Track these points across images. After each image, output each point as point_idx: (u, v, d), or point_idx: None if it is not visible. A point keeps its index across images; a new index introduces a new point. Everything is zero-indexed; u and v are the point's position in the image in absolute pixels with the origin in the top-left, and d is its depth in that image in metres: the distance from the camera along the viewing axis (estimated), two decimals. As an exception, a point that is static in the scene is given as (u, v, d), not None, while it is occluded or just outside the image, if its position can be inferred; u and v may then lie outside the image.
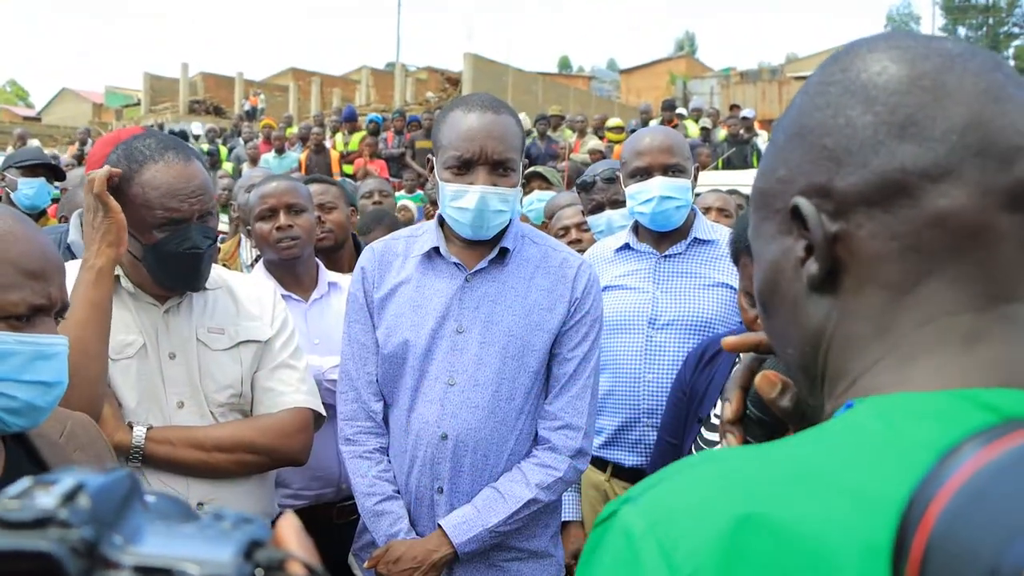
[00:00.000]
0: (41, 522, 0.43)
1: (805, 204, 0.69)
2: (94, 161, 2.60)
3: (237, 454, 2.03)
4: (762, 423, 0.95)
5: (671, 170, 2.78)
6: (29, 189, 4.91)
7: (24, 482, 0.46)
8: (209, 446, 2.00)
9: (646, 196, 2.77)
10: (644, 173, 2.80)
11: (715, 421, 1.04)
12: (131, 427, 1.96)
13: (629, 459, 2.72)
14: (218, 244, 4.02)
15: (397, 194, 7.74)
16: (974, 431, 0.56)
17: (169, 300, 2.09)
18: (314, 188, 3.16)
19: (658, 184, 2.76)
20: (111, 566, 0.44)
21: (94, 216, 1.96)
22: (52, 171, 5.08)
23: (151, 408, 2.02)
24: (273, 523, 0.53)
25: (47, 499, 0.44)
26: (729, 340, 0.94)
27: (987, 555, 0.50)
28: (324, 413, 2.23)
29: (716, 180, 6.48)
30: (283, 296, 2.79)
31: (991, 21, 46.02)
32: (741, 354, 0.96)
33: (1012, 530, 0.51)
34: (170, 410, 2.03)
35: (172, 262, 2.00)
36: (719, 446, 0.95)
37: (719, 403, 0.98)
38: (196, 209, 1.99)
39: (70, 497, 0.44)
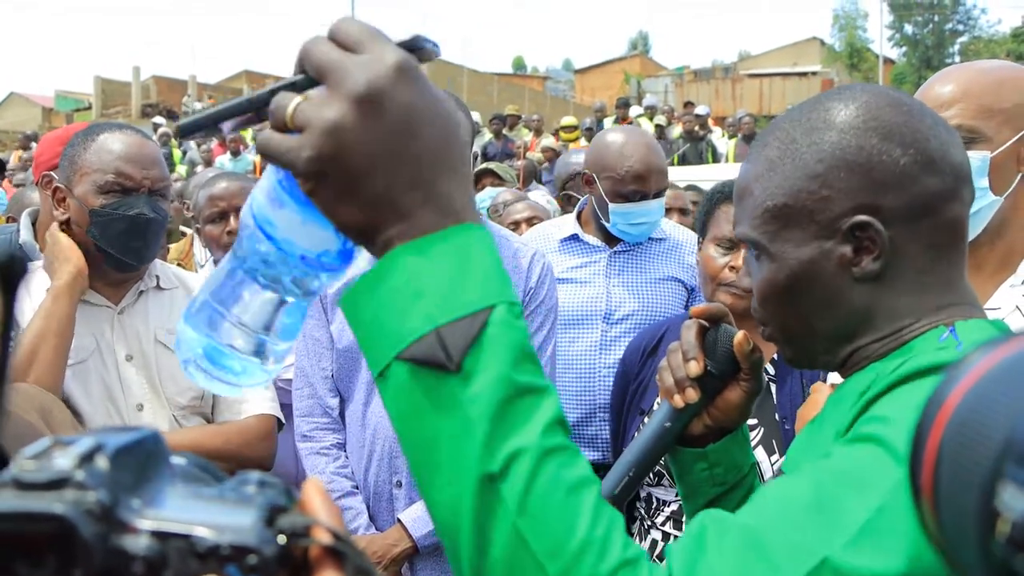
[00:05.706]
0: (56, 483, 0.41)
1: (873, 220, 0.92)
2: (42, 160, 2.56)
3: None
4: (714, 378, 1.11)
5: (663, 192, 2.74)
6: None
7: (43, 442, 0.44)
8: None
9: (642, 219, 2.71)
10: (642, 196, 2.69)
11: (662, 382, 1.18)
12: None
13: (587, 454, 2.70)
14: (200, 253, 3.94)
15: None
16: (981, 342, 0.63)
17: (123, 300, 2.06)
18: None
19: (657, 208, 2.71)
20: (128, 530, 0.42)
21: (47, 251, 1.99)
22: None
23: (110, 411, 1.99)
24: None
25: (64, 460, 0.42)
26: (698, 308, 1.15)
27: (1001, 430, 0.52)
28: (284, 421, 2.22)
29: (673, 176, 6.54)
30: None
31: (936, 18, 46.88)
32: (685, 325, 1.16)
33: None
34: (130, 413, 2.01)
35: (117, 227, 1.96)
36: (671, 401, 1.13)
37: (669, 364, 1.14)
38: (148, 179, 1.98)
39: (88, 458, 0.43)
